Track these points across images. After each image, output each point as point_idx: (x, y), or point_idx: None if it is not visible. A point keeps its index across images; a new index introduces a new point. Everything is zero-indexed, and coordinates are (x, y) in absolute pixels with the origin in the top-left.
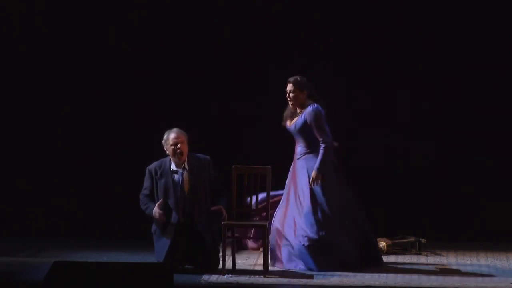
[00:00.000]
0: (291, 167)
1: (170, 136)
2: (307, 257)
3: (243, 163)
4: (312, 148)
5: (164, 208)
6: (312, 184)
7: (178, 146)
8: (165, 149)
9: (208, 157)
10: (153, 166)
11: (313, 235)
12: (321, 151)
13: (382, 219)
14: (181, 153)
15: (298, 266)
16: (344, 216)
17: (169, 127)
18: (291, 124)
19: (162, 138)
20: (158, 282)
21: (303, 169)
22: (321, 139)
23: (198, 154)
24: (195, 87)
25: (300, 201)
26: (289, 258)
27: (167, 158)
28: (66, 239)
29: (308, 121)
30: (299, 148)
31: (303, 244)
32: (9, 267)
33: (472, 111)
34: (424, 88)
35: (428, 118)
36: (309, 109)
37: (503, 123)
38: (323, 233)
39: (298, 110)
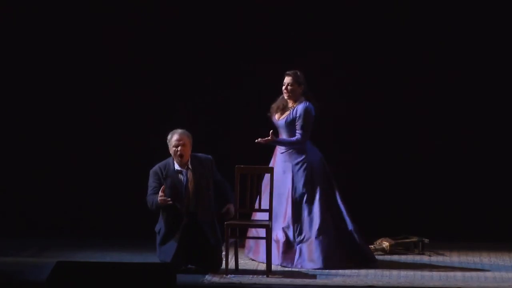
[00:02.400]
0: (272, 160)
1: (173, 137)
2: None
3: (245, 163)
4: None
5: (171, 209)
6: (261, 140)
7: (179, 148)
8: (169, 148)
9: (210, 156)
10: (157, 167)
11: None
12: (293, 138)
13: (384, 219)
14: (181, 156)
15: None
16: (327, 217)
17: (170, 127)
18: (281, 118)
19: (164, 137)
20: (161, 282)
21: (285, 163)
22: (300, 132)
23: (200, 154)
24: (196, 87)
25: (283, 198)
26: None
27: (171, 158)
28: (69, 239)
29: (297, 116)
30: None
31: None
32: (12, 267)
33: (473, 112)
34: (426, 88)
35: (430, 118)
36: (302, 105)
37: (505, 123)
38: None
39: (290, 104)
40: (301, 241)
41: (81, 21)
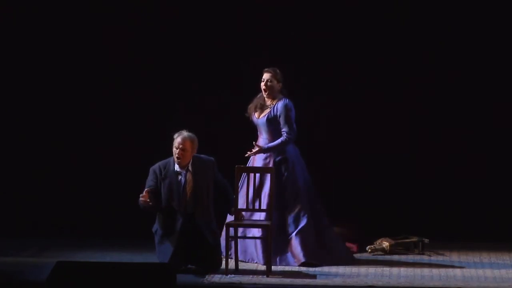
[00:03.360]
0: (251, 158)
1: (177, 139)
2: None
3: (245, 163)
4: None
5: (168, 209)
6: (249, 152)
7: (177, 152)
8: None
9: (212, 158)
10: (157, 165)
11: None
12: (280, 139)
13: (385, 219)
14: (178, 159)
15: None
16: (309, 216)
17: (170, 127)
18: (262, 116)
19: (164, 137)
20: (161, 282)
21: (265, 160)
22: (285, 130)
23: (203, 156)
24: (196, 87)
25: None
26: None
27: (172, 158)
28: (69, 239)
29: (278, 113)
30: (263, 141)
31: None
32: (12, 267)
33: (473, 112)
34: (426, 88)
35: (430, 118)
36: (282, 102)
37: (505, 123)
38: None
39: (269, 102)
40: (284, 239)
41: (81, 21)
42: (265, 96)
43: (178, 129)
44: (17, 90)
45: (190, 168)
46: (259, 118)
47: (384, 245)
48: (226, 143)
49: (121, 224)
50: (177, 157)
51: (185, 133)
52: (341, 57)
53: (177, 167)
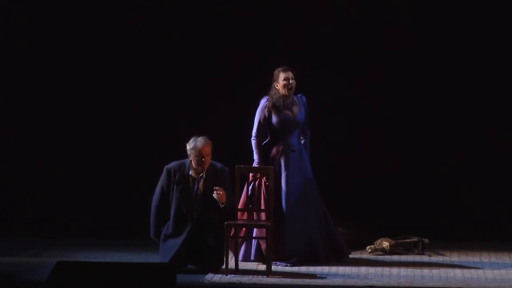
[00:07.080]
0: (283, 159)
1: (197, 146)
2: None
3: (245, 163)
4: (301, 139)
5: (178, 213)
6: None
7: (203, 159)
8: (188, 153)
9: (227, 168)
10: (172, 166)
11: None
12: (308, 140)
13: (385, 219)
14: (202, 165)
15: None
16: (306, 210)
17: (171, 127)
18: (297, 115)
19: (164, 137)
20: (161, 282)
21: (301, 162)
22: (308, 126)
23: (218, 164)
24: (198, 88)
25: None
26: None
27: (187, 161)
28: (69, 239)
29: (305, 108)
30: (295, 139)
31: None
32: (12, 267)
33: (473, 112)
34: (427, 88)
35: (430, 119)
36: (303, 99)
37: (505, 123)
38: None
39: (290, 99)
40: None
41: (81, 21)
42: (286, 95)
43: (177, 129)
44: (17, 90)
45: (204, 175)
46: (296, 116)
47: (384, 245)
48: (227, 143)
49: (121, 224)
50: (203, 163)
51: (202, 140)
52: (341, 57)
53: (191, 172)
